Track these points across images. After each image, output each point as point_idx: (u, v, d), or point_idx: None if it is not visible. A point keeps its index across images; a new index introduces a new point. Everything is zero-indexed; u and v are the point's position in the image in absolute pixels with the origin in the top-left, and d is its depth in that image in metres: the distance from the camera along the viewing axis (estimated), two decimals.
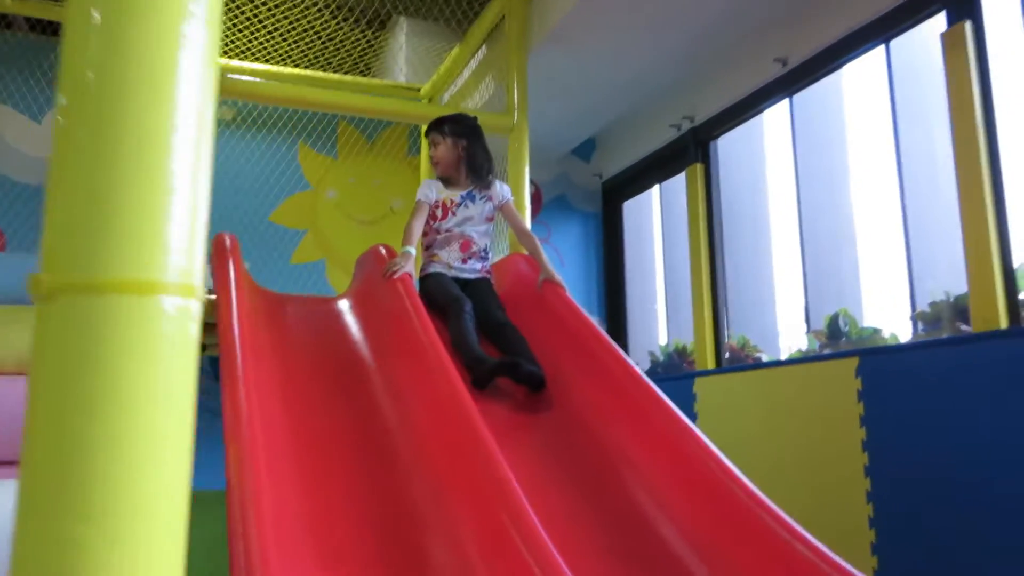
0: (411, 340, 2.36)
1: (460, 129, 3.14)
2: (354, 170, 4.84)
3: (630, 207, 5.41)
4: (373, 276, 2.92)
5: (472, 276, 3.04)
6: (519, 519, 1.66)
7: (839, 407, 3.24)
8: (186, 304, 0.67)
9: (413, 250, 2.87)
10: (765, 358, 5.96)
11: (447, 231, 3.07)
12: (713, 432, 3.90)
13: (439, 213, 3.07)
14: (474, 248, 3.10)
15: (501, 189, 3.15)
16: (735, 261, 4.65)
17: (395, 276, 2.71)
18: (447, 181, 3.13)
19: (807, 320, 5.99)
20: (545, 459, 2.27)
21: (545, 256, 3.07)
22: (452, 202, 3.08)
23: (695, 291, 4.42)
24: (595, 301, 5.26)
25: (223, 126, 4.58)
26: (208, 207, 0.80)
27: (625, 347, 5.19)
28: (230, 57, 4.20)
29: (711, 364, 4.21)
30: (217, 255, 2.69)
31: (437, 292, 2.89)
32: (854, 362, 3.20)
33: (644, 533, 2.01)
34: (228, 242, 2.78)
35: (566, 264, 5.22)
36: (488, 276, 3.10)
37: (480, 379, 2.51)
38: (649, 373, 6.12)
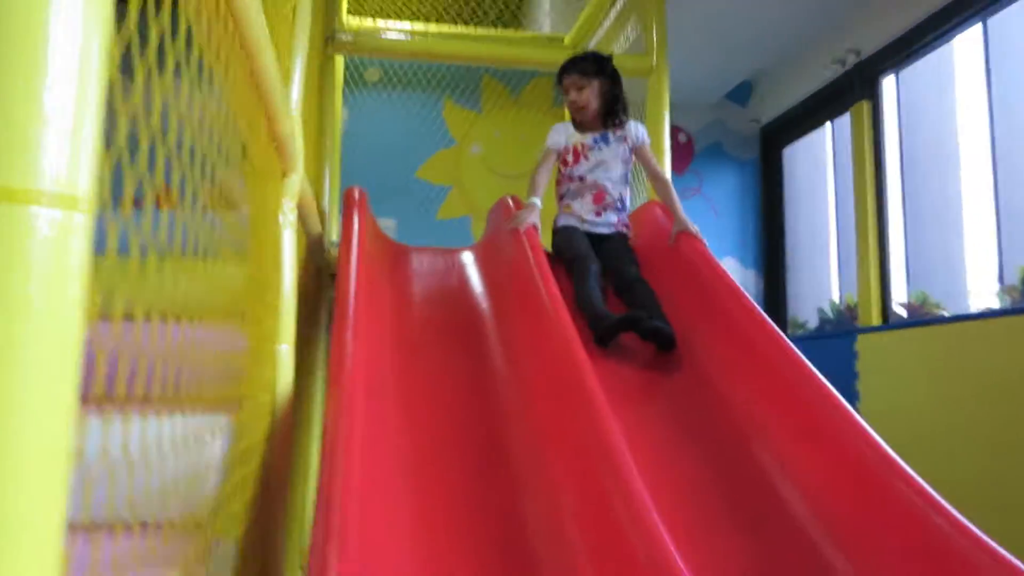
0: (530, 295, 2.29)
1: (606, 68, 2.91)
2: (499, 124, 4.80)
3: (791, 152, 5.03)
4: (499, 228, 2.87)
5: (607, 231, 2.87)
6: (626, 490, 1.54)
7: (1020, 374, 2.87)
8: (67, 219, 0.55)
9: (539, 201, 2.75)
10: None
11: (579, 178, 2.91)
12: (875, 395, 3.62)
13: (570, 158, 2.91)
14: (608, 199, 2.94)
15: (636, 129, 2.95)
16: (916, 209, 4.22)
17: (520, 229, 2.64)
18: (579, 124, 2.95)
19: (1000, 275, 5.44)
20: (670, 425, 2.13)
21: (679, 205, 2.89)
22: (584, 146, 2.90)
23: (860, 241, 4.05)
24: (751, 254, 4.96)
25: (370, 87, 4.67)
26: (98, 105, 0.60)
27: (785, 304, 4.88)
28: (375, 18, 4.25)
29: (876, 320, 3.86)
30: (345, 207, 2.73)
31: (566, 247, 2.79)
32: None
33: (775, 511, 1.82)
34: (357, 195, 2.81)
35: (720, 215, 4.95)
36: (625, 231, 2.92)
37: (602, 336, 2.39)
38: (818, 331, 5.78)
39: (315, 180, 3.06)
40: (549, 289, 2.26)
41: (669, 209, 2.90)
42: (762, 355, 2.19)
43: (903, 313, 4.35)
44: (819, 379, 2.01)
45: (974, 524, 1.57)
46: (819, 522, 1.76)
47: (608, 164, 2.91)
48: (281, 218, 1.76)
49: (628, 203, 3.02)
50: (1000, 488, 2.97)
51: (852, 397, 3.80)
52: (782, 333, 2.22)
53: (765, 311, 4.64)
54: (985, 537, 1.54)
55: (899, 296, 6.06)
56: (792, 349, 2.13)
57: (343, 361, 1.82)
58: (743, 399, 2.14)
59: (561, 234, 2.87)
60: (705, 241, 2.75)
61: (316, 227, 2.49)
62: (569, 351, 1.99)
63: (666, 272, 2.75)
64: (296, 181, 1.81)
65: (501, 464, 1.85)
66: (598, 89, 2.90)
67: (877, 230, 4.00)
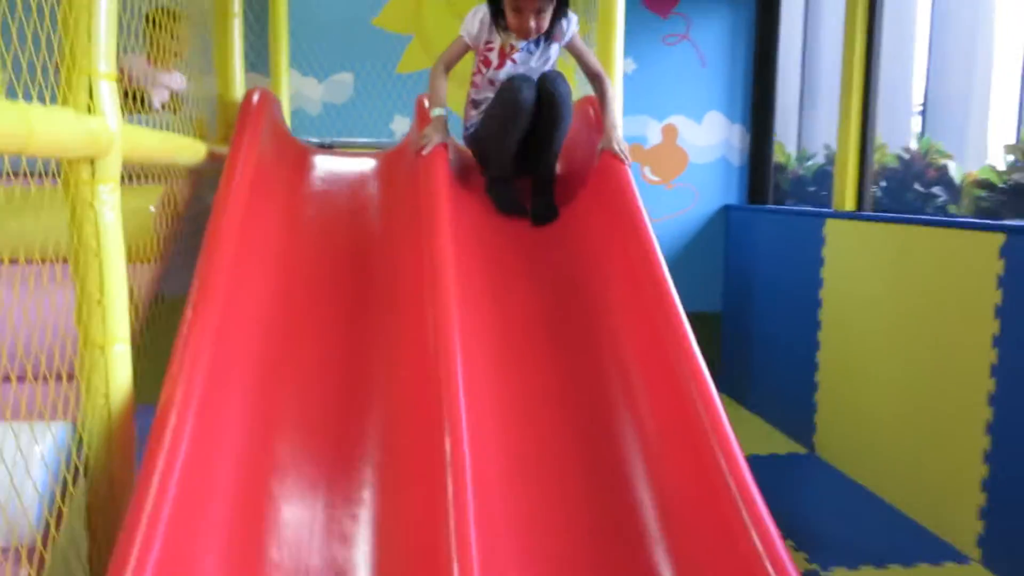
0: (416, 262, 2.13)
1: None
2: None
3: None
4: (409, 140, 2.65)
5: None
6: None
7: (973, 289, 2.69)
8: None
9: (444, 111, 2.49)
10: (953, 168, 5.10)
11: (500, 82, 2.59)
12: (837, 282, 3.46)
13: (493, 58, 2.58)
14: None
15: (570, 22, 2.60)
16: (943, 48, 3.84)
17: (424, 152, 2.41)
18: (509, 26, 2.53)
19: (1019, 128, 5.13)
20: (545, 378, 2.08)
21: (614, 111, 2.60)
22: (512, 47, 2.58)
23: (843, 96, 3.66)
24: (739, 108, 4.59)
25: None
26: None
27: (769, 165, 4.58)
28: None
29: (849, 201, 3.61)
30: (240, 116, 2.50)
31: (487, 132, 2.51)
32: (999, 239, 2.59)
33: (615, 476, 1.84)
34: (255, 100, 2.57)
35: (708, 64, 4.54)
36: None
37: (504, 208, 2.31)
38: (802, 181, 5.49)
39: (224, 72, 2.80)
40: (436, 264, 2.05)
41: (601, 111, 2.61)
42: (649, 315, 2.06)
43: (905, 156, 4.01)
44: (700, 369, 1.90)
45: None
46: (661, 524, 1.73)
47: (535, 69, 2.62)
48: (98, 205, 1.60)
49: None
50: (925, 409, 2.90)
51: (816, 283, 3.66)
52: (679, 305, 2.07)
53: (750, 170, 4.43)
54: (780, 546, 1.53)
55: (903, 142, 5.67)
56: (682, 325, 1.99)
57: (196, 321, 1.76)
58: (622, 365, 2.05)
59: (479, 129, 2.60)
60: (629, 162, 2.50)
61: (196, 156, 2.29)
62: (443, 319, 1.89)
63: (582, 185, 2.56)
64: (115, 160, 1.62)
65: (358, 397, 1.90)
66: (551, 11, 2.50)
67: (864, 81, 3.60)
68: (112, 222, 1.63)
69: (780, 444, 3.86)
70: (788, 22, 4.72)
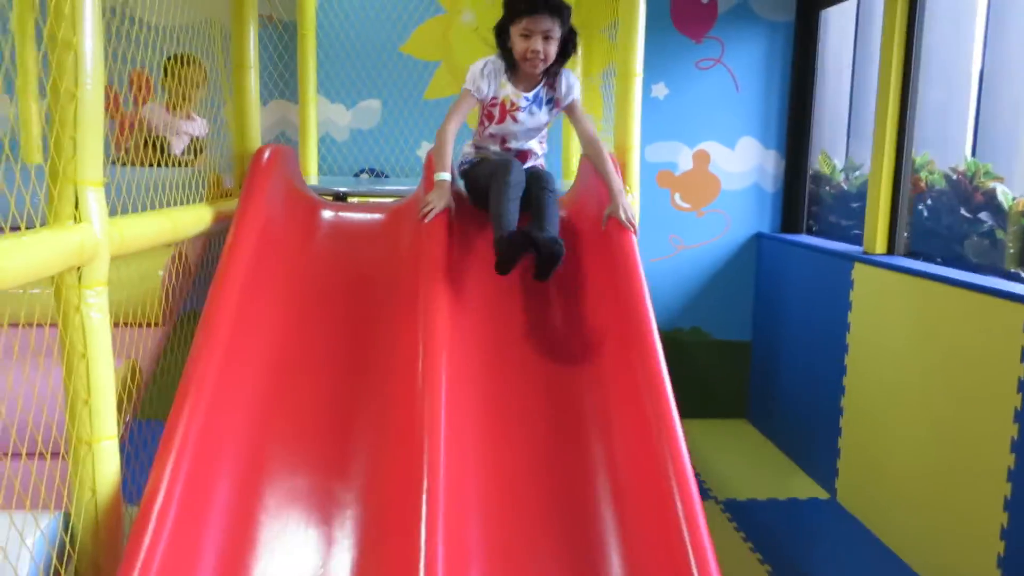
0: (412, 333, 2.14)
1: (563, 9, 2.43)
2: None
3: (830, 16, 4.37)
4: (415, 198, 2.66)
5: (526, 165, 2.60)
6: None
7: (997, 359, 2.59)
8: None
9: (448, 176, 2.45)
10: (1000, 192, 4.91)
11: (501, 139, 2.60)
12: (864, 328, 3.36)
13: (495, 113, 2.55)
14: (533, 159, 2.67)
15: (567, 83, 2.54)
16: (997, 65, 3.69)
17: (427, 219, 2.40)
18: (514, 73, 2.52)
19: None
20: (525, 400, 2.18)
21: (616, 178, 2.52)
22: (514, 105, 2.54)
23: (877, 133, 3.53)
24: (773, 133, 4.48)
25: None
26: None
27: (805, 194, 4.46)
28: None
29: (880, 243, 3.49)
30: (249, 174, 2.52)
31: (481, 172, 2.50)
32: (1022, 312, 2.48)
33: (580, 515, 1.93)
34: (266, 157, 2.59)
35: (742, 89, 4.43)
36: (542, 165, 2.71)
37: (501, 263, 2.23)
38: (846, 197, 5.36)
39: (240, 124, 2.82)
40: (430, 335, 2.10)
41: (603, 180, 2.55)
42: (633, 380, 2.09)
43: (951, 176, 3.84)
44: (672, 419, 1.99)
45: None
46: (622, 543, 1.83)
47: (534, 130, 2.62)
48: (84, 309, 1.63)
49: (544, 150, 2.76)
50: (945, 478, 2.81)
51: (843, 327, 3.56)
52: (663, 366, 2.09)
53: (784, 197, 4.31)
54: None
55: (955, 160, 5.48)
56: (665, 385, 2.06)
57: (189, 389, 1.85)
58: (606, 430, 2.10)
59: (474, 168, 2.60)
60: (636, 231, 2.46)
61: (201, 224, 2.32)
62: (432, 390, 1.94)
63: (586, 251, 2.55)
64: (102, 264, 1.66)
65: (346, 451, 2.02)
66: (561, 38, 2.45)
67: (900, 104, 3.45)
68: (99, 323, 1.67)
69: (802, 487, 3.79)
70: (839, 26, 4.56)
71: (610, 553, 1.85)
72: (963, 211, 5.10)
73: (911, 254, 3.51)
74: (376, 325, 2.33)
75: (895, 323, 3.19)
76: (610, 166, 2.53)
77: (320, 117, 4.29)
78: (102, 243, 1.65)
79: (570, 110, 2.58)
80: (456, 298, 2.29)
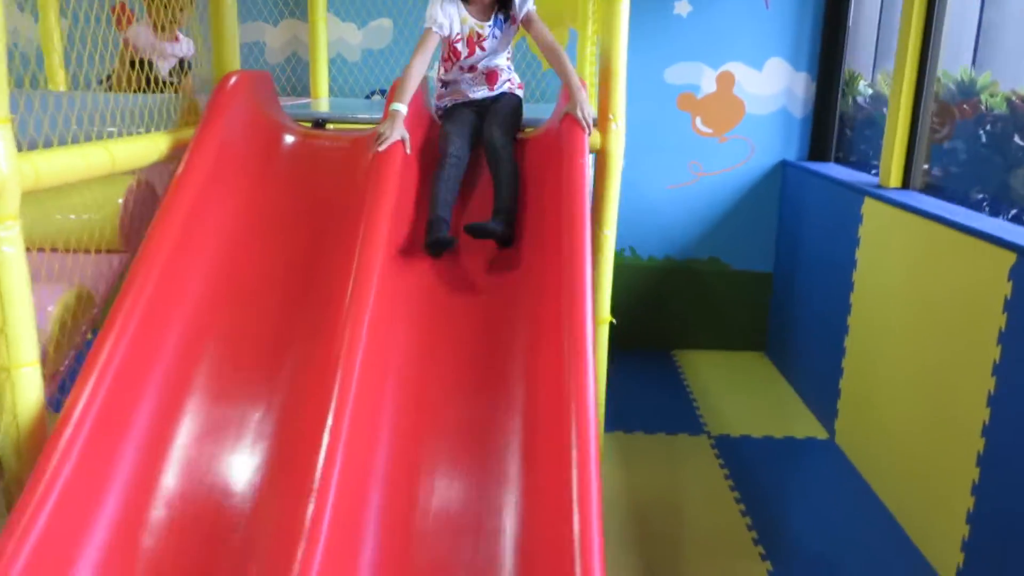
0: (348, 263, 2.15)
1: None
2: None
3: None
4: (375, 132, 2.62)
5: (495, 94, 2.63)
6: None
7: (980, 308, 2.44)
8: None
9: (404, 108, 2.43)
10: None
11: (470, 68, 2.59)
12: (870, 266, 3.20)
13: (462, 49, 2.54)
14: (502, 76, 2.65)
15: (519, 2, 2.51)
16: None
17: (380, 149, 2.37)
18: (471, 4, 2.50)
19: None
20: (457, 354, 2.14)
21: (575, 79, 2.52)
22: (480, 36, 2.53)
23: (900, 35, 3.24)
24: (804, 54, 4.20)
25: None
26: None
27: (833, 121, 4.20)
28: None
29: (895, 176, 3.27)
30: (210, 102, 2.51)
31: (442, 137, 2.52)
32: (1010, 259, 2.31)
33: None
34: (232, 83, 2.57)
35: (771, 6, 4.15)
36: (515, 91, 2.67)
37: (429, 247, 2.28)
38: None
39: (217, 50, 2.81)
40: (366, 258, 2.10)
41: (564, 82, 2.56)
42: (556, 296, 2.06)
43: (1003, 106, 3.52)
44: (585, 347, 1.89)
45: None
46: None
47: (500, 50, 2.64)
48: None
49: (511, 65, 2.72)
50: (922, 424, 2.69)
51: (850, 264, 3.40)
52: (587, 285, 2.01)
53: (813, 123, 4.07)
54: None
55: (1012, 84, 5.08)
56: (585, 307, 1.96)
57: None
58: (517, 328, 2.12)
59: (444, 121, 2.61)
60: (589, 130, 2.46)
61: (154, 154, 2.33)
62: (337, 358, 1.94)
63: (543, 157, 2.51)
64: (11, 200, 1.70)
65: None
66: None
67: (924, 19, 3.16)
68: (12, 255, 1.71)
69: (804, 426, 3.70)
70: None
71: (511, 493, 1.85)
72: (1018, 139, 4.74)
73: (932, 188, 3.29)
74: (322, 255, 2.33)
75: (895, 263, 3.02)
76: (568, 67, 2.53)
77: (331, 37, 4.24)
78: (10, 178, 1.69)
79: (527, 23, 2.56)
80: (396, 229, 2.27)
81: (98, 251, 2.38)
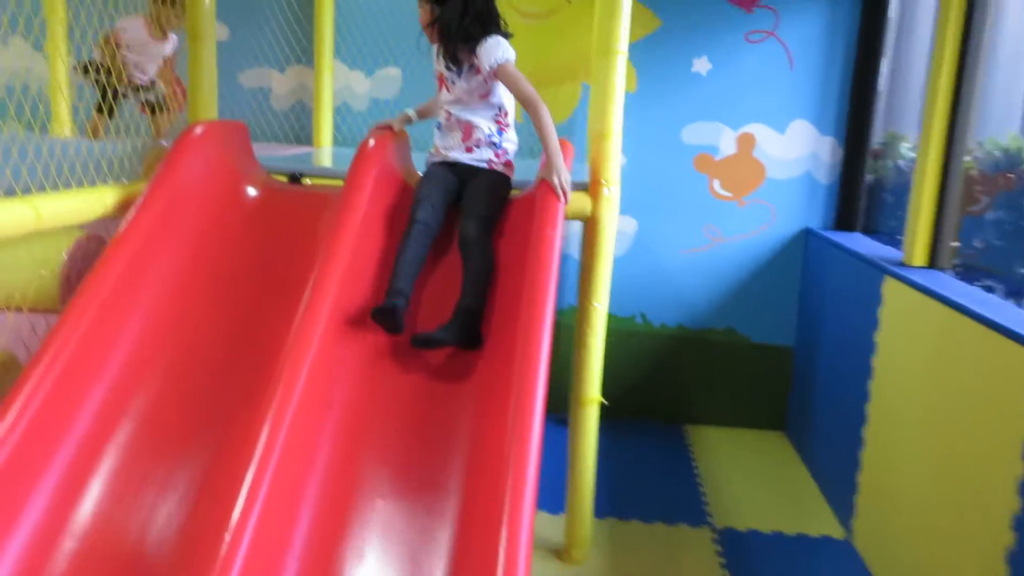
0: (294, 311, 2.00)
1: None
2: None
3: None
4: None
5: (477, 165, 2.50)
6: None
7: (1007, 404, 2.14)
8: None
9: (412, 112, 2.64)
10: None
11: (447, 111, 2.54)
12: (890, 353, 2.90)
13: (438, 86, 2.59)
14: (478, 135, 2.48)
15: (486, 50, 2.39)
16: None
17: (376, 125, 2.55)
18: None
19: None
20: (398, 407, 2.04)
21: (553, 140, 2.36)
22: (443, 76, 2.54)
23: (927, 99, 2.97)
24: (831, 116, 3.95)
25: None
26: None
27: (860, 188, 3.93)
28: None
29: (920, 254, 2.98)
30: (169, 153, 2.37)
31: (414, 200, 2.41)
32: None
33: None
34: (197, 133, 2.42)
35: (796, 65, 3.93)
36: (500, 168, 2.51)
37: (374, 316, 2.12)
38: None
39: (194, 101, 2.68)
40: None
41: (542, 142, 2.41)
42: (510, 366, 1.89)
43: None
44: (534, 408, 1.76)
45: None
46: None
47: (465, 101, 2.50)
48: None
49: (511, 134, 2.55)
50: (947, 517, 2.38)
51: (869, 348, 3.11)
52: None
53: (840, 190, 3.80)
54: None
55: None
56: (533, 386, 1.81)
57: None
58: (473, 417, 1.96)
59: (420, 181, 2.51)
60: (566, 197, 2.30)
61: (98, 210, 2.17)
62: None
63: (515, 229, 2.35)
64: None
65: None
66: (433, 14, 2.46)
67: (954, 80, 2.89)
68: None
69: (819, 521, 3.37)
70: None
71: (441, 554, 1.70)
72: None
73: (963, 267, 3.00)
74: (267, 314, 2.16)
75: (917, 350, 2.73)
76: (546, 126, 2.37)
77: (338, 84, 4.12)
78: None
79: (499, 75, 2.42)
80: (348, 291, 2.11)
81: (33, 310, 2.23)
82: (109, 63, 2.92)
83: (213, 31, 2.74)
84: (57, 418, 1.82)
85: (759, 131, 4.01)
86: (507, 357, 1.95)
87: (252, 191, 2.52)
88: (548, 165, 2.33)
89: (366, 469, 1.90)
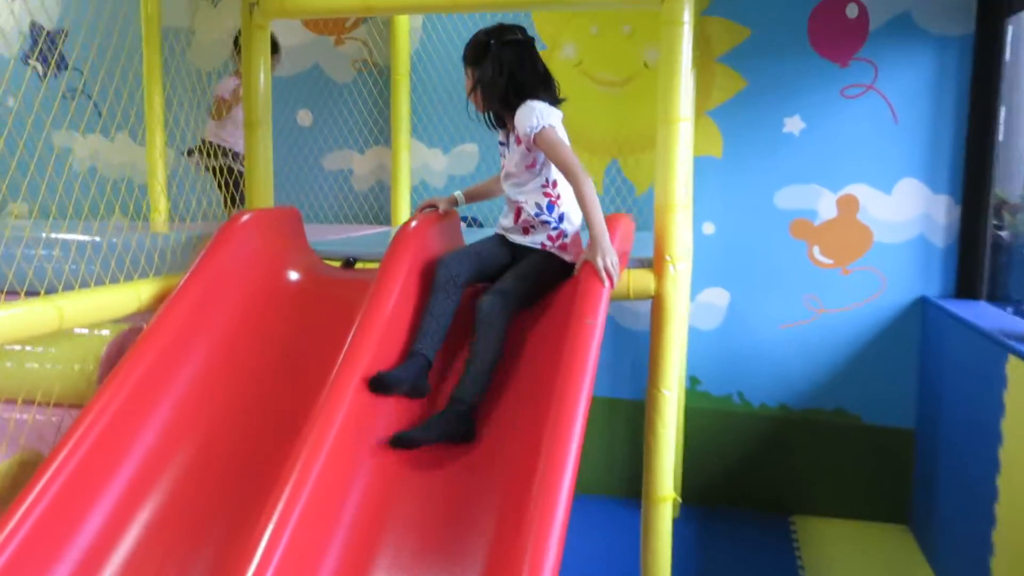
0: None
1: (472, 54, 2.35)
2: (596, 17, 3.85)
3: (1019, 27, 3.41)
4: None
5: (531, 245, 2.34)
6: None
7: None
8: None
9: (461, 194, 2.50)
10: None
11: (504, 188, 2.42)
12: (1017, 441, 2.49)
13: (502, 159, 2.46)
14: (525, 216, 2.32)
15: (521, 117, 2.24)
16: None
17: (417, 213, 2.43)
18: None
19: None
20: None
21: (597, 216, 2.16)
22: (500, 150, 2.43)
23: None
24: (944, 173, 3.58)
25: None
26: None
27: (983, 253, 3.52)
28: None
29: None
30: (211, 243, 2.34)
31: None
32: None
33: None
34: (243, 221, 2.39)
35: (901, 120, 3.59)
36: (553, 251, 2.33)
37: (369, 385, 1.95)
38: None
39: (251, 187, 2.68)
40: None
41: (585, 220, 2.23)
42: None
43: None
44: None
45: None
46: None
47: (514, 175, 2.36)
48: None
49: (566, 207, 2.35)
50: None
51: (994, 438, 2.70)
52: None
53: (959, 253, 3.41)
54: None
55: None
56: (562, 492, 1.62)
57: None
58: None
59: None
60: (612, 281, 2.10)
61: (126, 307, 2.15)
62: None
63: (557, 308, 2.16)
64: None
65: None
66: (474, 78, 2.35)
67: None
68: None
69: None
70: None
71: None
72: None
73: None
74: (294, 404, 2.05)
75: None
76: (589, 201, 2.17)
77: (416, 163, 4.11)
78: None
79: (537, 144, 2.25)
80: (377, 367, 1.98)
81: (71, 406, 2.21)
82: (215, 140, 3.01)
83: (269, 118, 2.74)
84: (73, 511, 1.78)
85: (862, 192, 3.68)
86: (534, 451, 1.77)
87: (295, 277, 2.46)
88: (592, 244, 2.14)
89: (385, 553, 1.78)
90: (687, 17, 2.41)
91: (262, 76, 2.71)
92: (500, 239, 2.38)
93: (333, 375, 1.87)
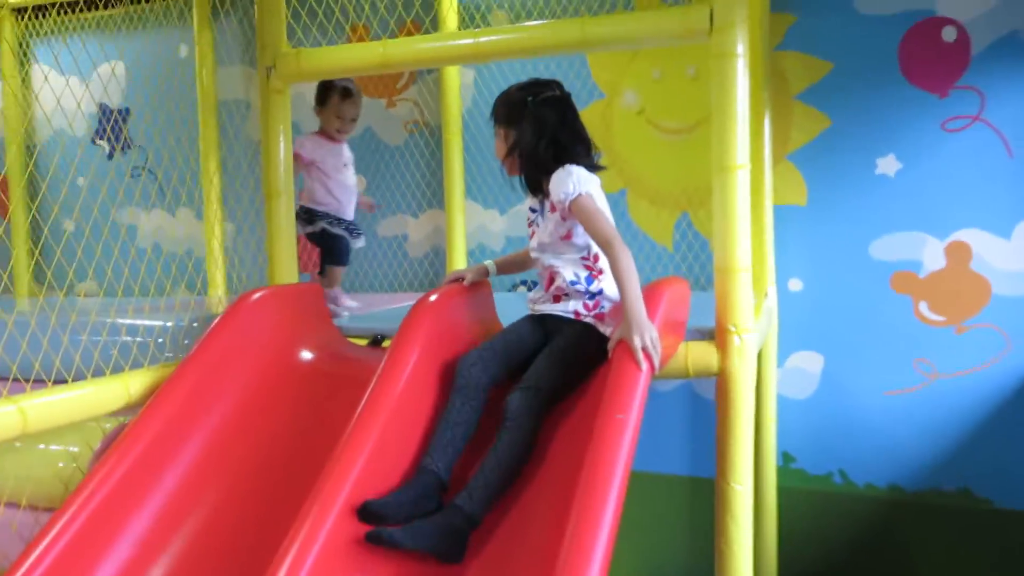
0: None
1: (506, 113, 2.11)
2: (658, 60, 3.55)
3: None
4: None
5: (565, 315, 2.06)
6: None
7: None
8: None
9: (492, 264, 2.28)
10: None
11: (534, 258, 2.17)
12: None
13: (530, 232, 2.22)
14: (559, 282, 2.03)
15: (555, 183, 2.00)
16: None
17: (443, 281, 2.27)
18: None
19: None
20: None
21: (633, 290, 1.84)
22: (529, 219, 2.21)
23: None
24: None
25: None
26: None
27: None
28: None
29: None
30: (214, 324, 2.13)
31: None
32: None
33: None
34: (253, 299, 2.18)
35: (1016, 153, 3.11)
36: (587, 321, 2.03)
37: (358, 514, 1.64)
38: None
39: (271, 259, 2.49)
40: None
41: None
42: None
43: None
44: None
45: None
46: None
47: (547, 244, 2.11)
48: None
49: (608, 282, 2.05)
50: None
51: None
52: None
53: None
54: None
55: None
56: None
57: None
58: None
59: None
60: (651, 363, 1.76)
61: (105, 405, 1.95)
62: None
63: (585, 400, 1.84)
64: None
65: None
66: (501, 139, 2.15)
67: None
68: None
69: None
70: None
71: None
72: None
73: None
74: (290, 493, 1.79)
75: None
76: (624, 274, 1.86)
77: (472, 225, 3.87)
78: None
79: (573, 212, 1.99)
80: (379, 455, 1.70)
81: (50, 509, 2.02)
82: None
83: (291, 188, 2.55)
84: None
85: (975, 238, 3.18)
86: (553, 551, 1.44)
87: (308, 357, 2.22)
88: (625, 321, 1.81)
89: None
90: (740, 49, 2.09)
91: (282, 144, 2.52)
92: (531, 321, 2.10)
93: (312, 499, 1.58)
